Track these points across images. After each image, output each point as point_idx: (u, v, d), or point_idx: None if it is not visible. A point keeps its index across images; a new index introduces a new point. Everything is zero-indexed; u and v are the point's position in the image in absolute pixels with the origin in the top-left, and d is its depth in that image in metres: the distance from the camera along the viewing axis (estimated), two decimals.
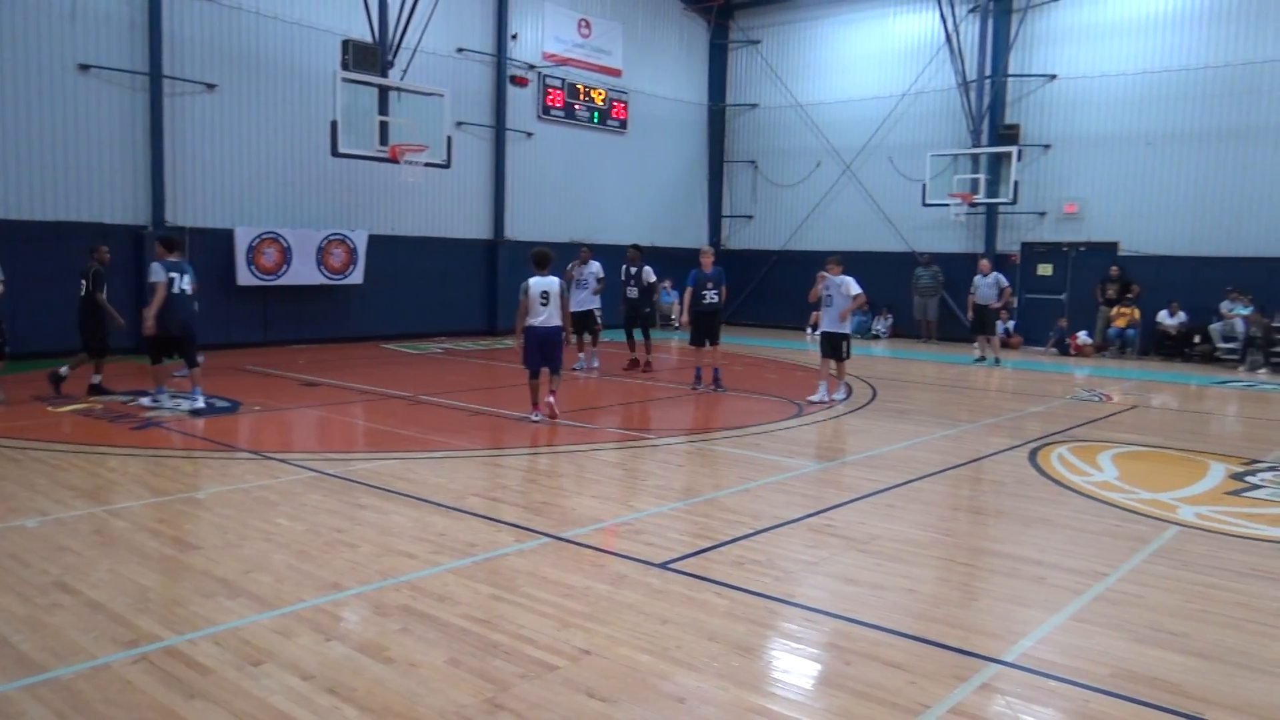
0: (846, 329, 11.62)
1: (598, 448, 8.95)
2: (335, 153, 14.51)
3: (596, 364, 14.04)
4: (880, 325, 22.46)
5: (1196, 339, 18.20)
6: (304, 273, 16.82)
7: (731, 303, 25.17)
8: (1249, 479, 8.04)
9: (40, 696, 3.61)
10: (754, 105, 25.21)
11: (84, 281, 10.63)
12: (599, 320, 13.92)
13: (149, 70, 14.94)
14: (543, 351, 9.93)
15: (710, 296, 12.28)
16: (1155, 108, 19.20)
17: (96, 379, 10.78)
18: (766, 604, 4.81)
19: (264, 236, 16.27)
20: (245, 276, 16.05)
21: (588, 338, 14.01)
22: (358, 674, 3.86)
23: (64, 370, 10.73)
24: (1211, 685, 3.95)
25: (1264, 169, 18.04)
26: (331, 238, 17.17)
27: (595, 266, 13.79)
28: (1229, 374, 16.39)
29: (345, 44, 14.90)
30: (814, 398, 11.65)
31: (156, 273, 9.87)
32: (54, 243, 13.86)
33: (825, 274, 11.64)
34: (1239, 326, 17.51)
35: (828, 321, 11.72)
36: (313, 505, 6.50)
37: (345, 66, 14.65)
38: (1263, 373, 16.51)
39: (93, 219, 14.53)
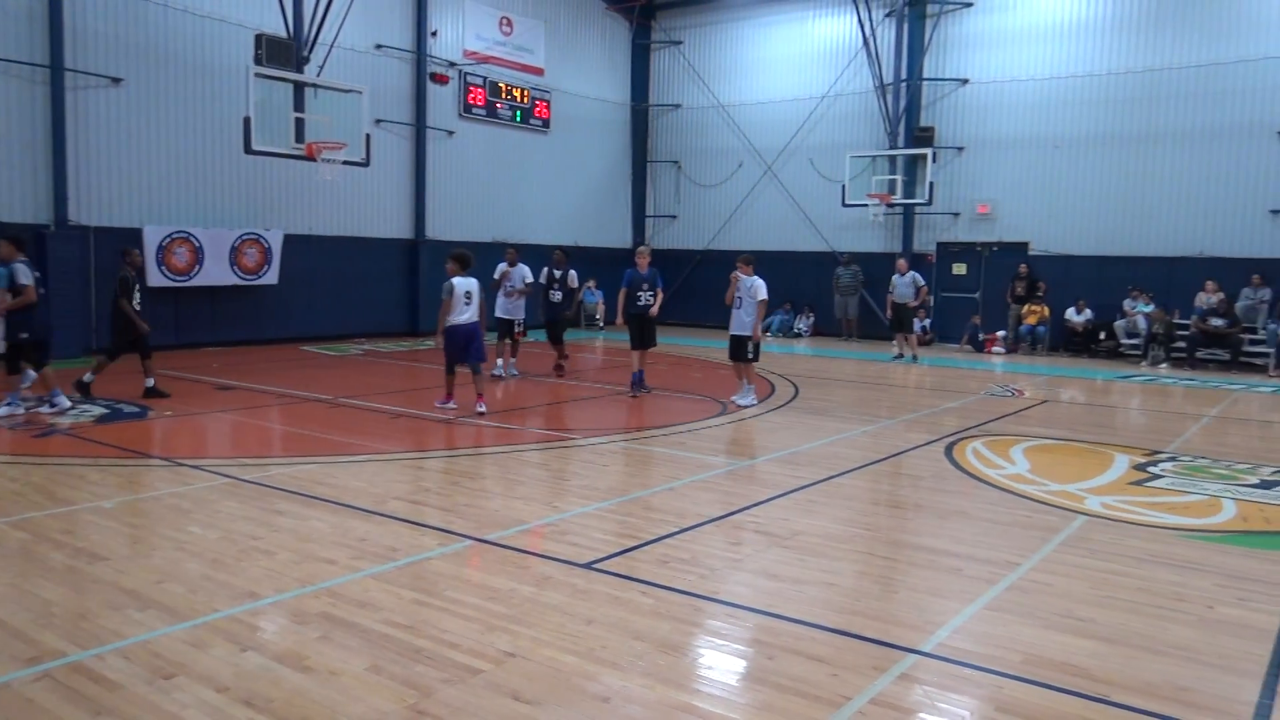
0: (748, 331, 11.33)
1: (522, 449, 8.90)
2: (249, 150, 14.15)
3: (515, 372, 13.60)
4: (802, 323, 22.80)
5: (1102, 335, 18.90)
6: (217, 273, 16.34)
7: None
8: (1151, 469, 8.38)
9: None
10: (676, 105, 25.35)
11: (115, 286, 10.73)
12: (521, 327, 13.46)
13: (49, 63, 14.33)
14: (465, 348, 10.33)
15: (644, 298, 12.02)
16: (1062, 112, 19.89)
17: (150, 381, 10.94)
18: (691, 602, 4.84)
19: (175, 236, 15.76)
20: (155, 277, 15.49)
21: (508, 343, 13.49)
22: (275, 684, 3.77)
23: (88, 377, 10.75)
24: (1116, 668, 4.10)
25: (1163, 172, 18.84)
26: (245, 237, 16.72)
27: (524, 270, 13.38)
28: (1132, 369, 17.07)
29: (258, 38, 14.55)
30: (741, 400, 11.50)
31: (25, 274, 9.44)
32: None
33: (738, 274, 11.53)
34: (1141, 323, 18.24)
35: (735, 324, 11.48)
36: (228, 512, 6.32)
37: (259, 62, 14.30)
38: (1164, 367, 17.23)
39: None
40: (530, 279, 13.39)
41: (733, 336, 11.55)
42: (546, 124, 22.92)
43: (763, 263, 24.09)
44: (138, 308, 10.75)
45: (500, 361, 13.50)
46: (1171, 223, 18.79)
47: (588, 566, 5.30)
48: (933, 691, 3.87)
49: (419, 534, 5.92)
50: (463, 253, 10.56)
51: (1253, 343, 17.32)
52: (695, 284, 24.94)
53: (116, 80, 15.16)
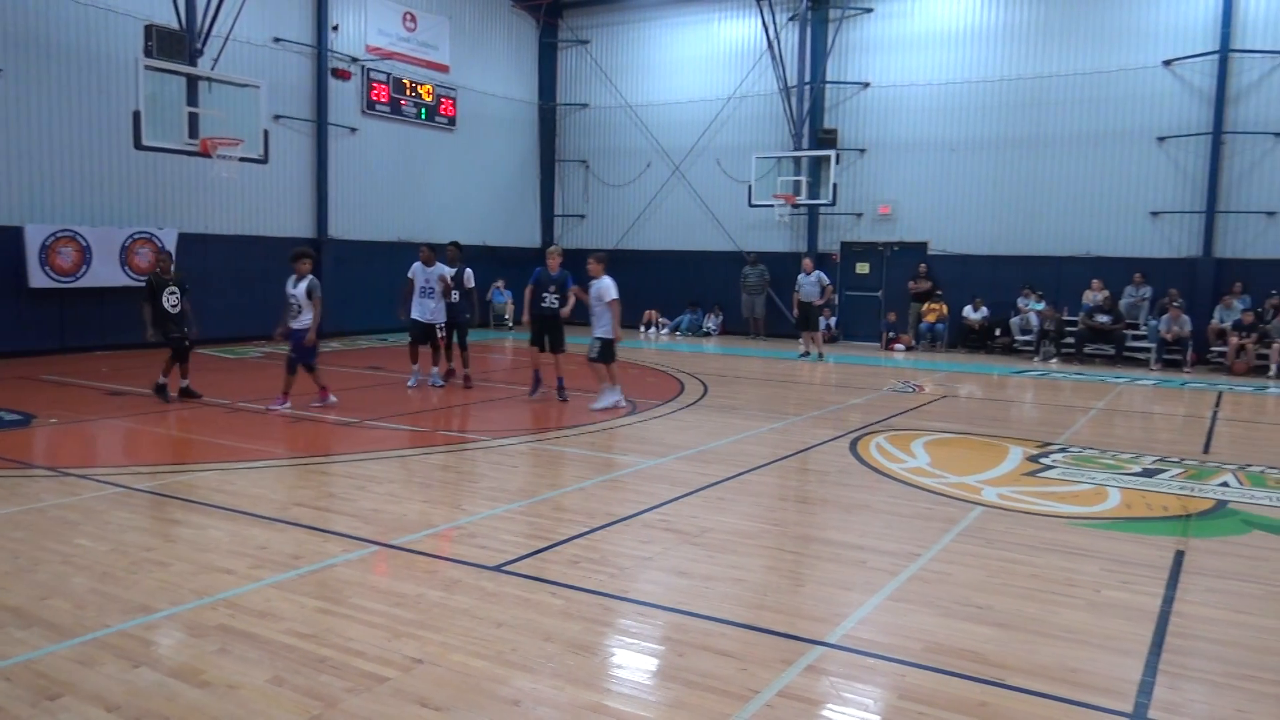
0: (608, 333, 10.93)
1: (429, 452, 8.77)
2: (139, 145, 13.56)
3: (439, 382, 12.54)
4: (710, 322, 23.04)
5: (997, 332, 19.61)
6: (106, 274, 15.64)
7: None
8: (1043, 460, 8.73)
9: None
10: (584, 105, 25.32)
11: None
12: (442, 331, 12.46)
13: None
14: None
15: (549, 300, 11.55)
16: (958, 116, 20.56)
17: (184, 382, 11.07)
18: (601, 601, 4.84)
19: (59, 235, 15.03)
20: (38, 278, 14.76)
21: (429, 349, 12.58)
22: (170, 700, 3.63)
23: (162, 379, 11.06)
24: (1011, 652, 4.26)
25: (1052, 175, 19.66)
26: (137, 236, 16.05)
27: (441, 269, 12.38)
28: (1025, 364, 17.75)
29: (148, 29, 13.96)
30: (601, 404, 11.05)
31: None
32: None
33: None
34: (1033, 320, 18.99)
35: (595, 326, 11.06)
36: (119, 523, 6.06)
37: (149, 53, 13.72)
38: (1054, 362, 17.97)
39: None
40: (449, 276, 12.34)
41: (595, 338, 11.03)
42: (452, 122, 22.62)
43: (670, 262, 24.38)
44: (172, 310, 10.88)
45: (417, 368, 12.49)
46: (1060, 224, 19.62)
47: (497, 569, 5.26)
48: (838, 682, 3.95)
49: (323, 540, 5.77)
50: (304, 250, 10.79)
51: (1135, 338, 18.22)
52: None
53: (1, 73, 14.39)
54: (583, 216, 25.61)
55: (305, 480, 7.54)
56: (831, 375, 15.63)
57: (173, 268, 11.25)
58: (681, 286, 23.60)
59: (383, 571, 5.28)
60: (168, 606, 4.62)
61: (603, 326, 10.99)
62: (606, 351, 11.02)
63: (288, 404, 10.53)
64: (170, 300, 10.91)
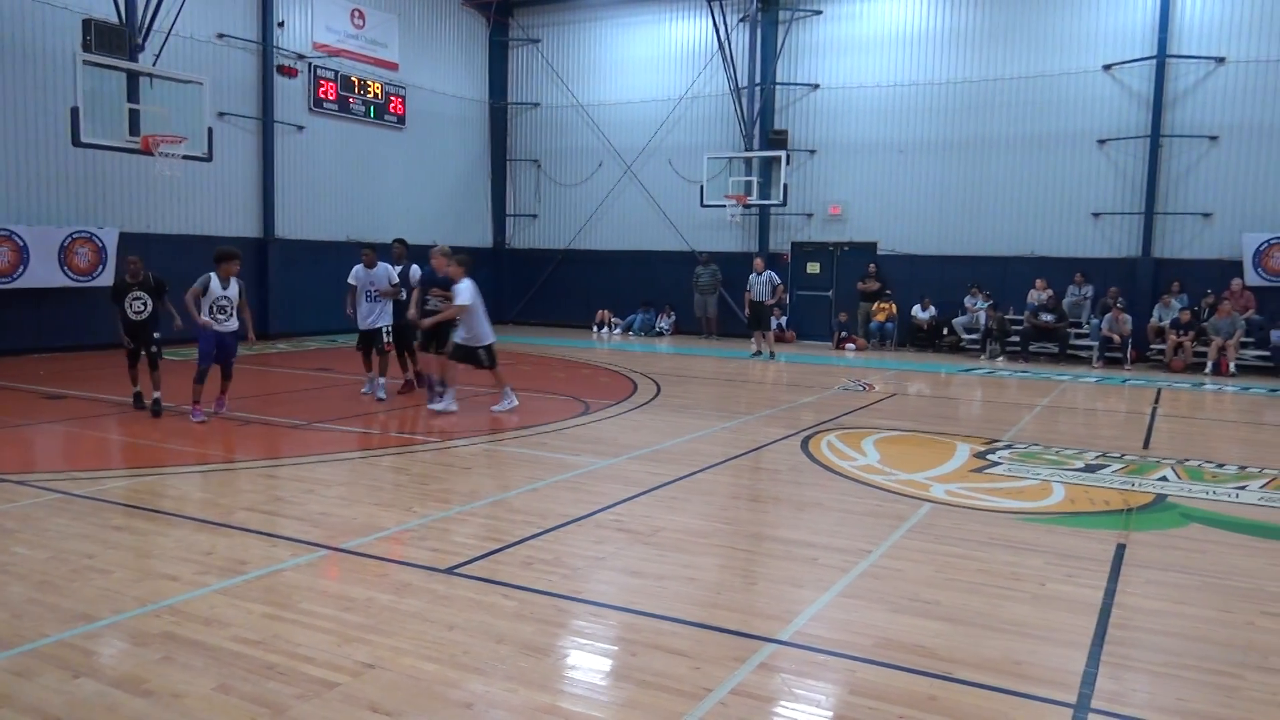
0: (472, 340, 10.42)
1: (379, 454, 8.67)
2: (77, 142, 13.25)
3: (382, 395, 11.61)
4: (663, 323, 23.09)
5: (945, 331, 19.92)
6: (44, 274, 15.23)
7: (516, 302, 25.18)
8: (989, 457, 8.88)
9: None
10: (535, 104, 25.23)
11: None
12: (388, 337, 11.68)
13: None
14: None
15: (433, 302, 10.95)
16: (905, 118, 20.84)
17: (156, 394, 10.29)
18: (554, 602, 4.83)
19: None
20: None
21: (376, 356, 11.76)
22: (112, 711, 3.55)
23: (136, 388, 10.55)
24: (959, 646, 4.33)
25: (997, 177, 20.02)
26: (76, 235, 15.66)
27: (386, 269, 11.63)
28: (972, 362, 18.05)
29: (86, 23, 13.65)
30: (501, 407, 10.74)
31: None
32: None
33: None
34: (980, 319, 19.32)
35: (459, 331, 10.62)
36: (57, 530, 5.90)
37: (87, 48, 13.41)
38: (1000, 360, 18.30)
39: None
40: (395, 279, 11.66)
41: (457, 345, 10.56)
42: (402, 120, 22.40)
43: (623, 262, 24.37)
44: (135, 316, 10.23)
45: (371, 374, 11.76)
46: (1005, 224, 19.99)
47: (449, 571, 5.21)
48: (790, 679, 3.98)
49: (271, 545, 5.68)
50: (228, 249, 10.41)
51: (1077, 336, 18.62)
52: (556, 284, 24.95)
53: None
54: (535, 216, 25.51)
55: (252, 484, 7.42)
56: (783, 374, 15.76)
57: (144, 271, 10.49)
58: (634, 286, 23.62)
59: (332, 576, 5.21)
60: (109, 615, 4.51)
61: (470, 334, 10.44)
62: (492, 357, 10.66)
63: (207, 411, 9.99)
64: (135, 306, 10.24)
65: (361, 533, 5.98)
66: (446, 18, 23.92)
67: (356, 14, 21.03)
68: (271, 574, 5.15)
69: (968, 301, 19.75)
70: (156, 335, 10.38)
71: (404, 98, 22.40)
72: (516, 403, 10.92)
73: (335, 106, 20.69)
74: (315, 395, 11.87)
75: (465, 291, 10.32)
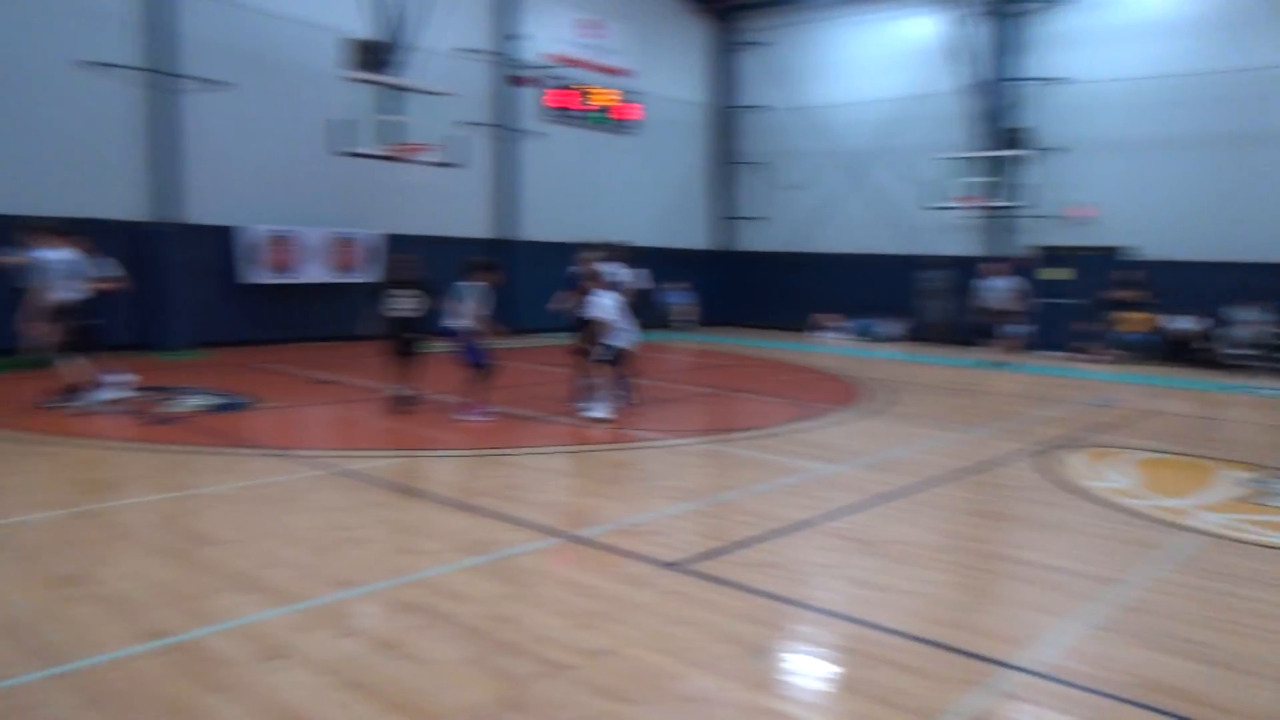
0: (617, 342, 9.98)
1: (609, 449, 8.95)
2: (341, 152, 14.53)
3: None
4: (889, 328, 22.40)
5: (1205, 343, 18.13)
6: (313, 271, 16.86)
7: (737, 304, 25.26)
8: (1261, 486, 8.01)
9: (62, 687, 3.62)
10: (761, 107, 25.20)
11: None
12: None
13: (157, 67, 14.96)
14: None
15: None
16: (1165, 112, 19.15)
17: (408, 390, 10.34)
18: (779, 606, 4.81)
19: (272, 235, 16.31)
20: (253, 274, 16.09)
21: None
22: (373, 670, 3.87)
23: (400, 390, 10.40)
24: (1226, 694, 3.94)
25: (1271, 174, 18.00)
26: (339, 236, 17.20)
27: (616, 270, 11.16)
28: (1237, 379, 16.32)
29: (348, 43, 14.94)
30: (596, 413, 9.99)
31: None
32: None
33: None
34: (1247, 332, 17.43)
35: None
36: (327, 502, 6.52)
37: (348, 66, 14.70)
38: (1270, 378, 16.43)
39: (99, 215, 14.57)
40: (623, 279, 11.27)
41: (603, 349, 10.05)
42: (629, 125, 23.03)
43: (845, 265, 23.86)
44: (398, 313, 10.20)
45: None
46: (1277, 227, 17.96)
47: (676, 567, 5.31)
48: (1030, 709, 3.76)
49: (510, 529, 6.00)
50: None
51: None
52: (777, 286, 24.83)
53: (222, 85, 15.73)
54: (758, 219, 25.49)
55: (493, 471, 7.86)
56: (1020, 386, 14.90)
57: (409, 269, 10.39)
58: (856, 290, 23.08)
59: (566, 562, 5.43)
60: (370, 582, 4.92)
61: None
62: (617, 359, 10.21)
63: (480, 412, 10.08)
64: (398, 303, 10.18)
65: (594, 523, 6.20)
66: (675, 24, 24.36)
67: (589, 24, 21.84)
68: (511, 557, 5.44)
69: (1234, 313, 17.86)
70: (421, 332, 10.35)
71: (631, 103, 23.02)
72: (607, 415, 10.01)
73: (566, 113, 21.58)
74: (547, 389, 12.41)
75: (604, 303, 9.91)
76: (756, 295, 25.17)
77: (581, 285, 10.58)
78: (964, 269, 21.14)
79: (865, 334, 22.43)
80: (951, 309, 21.46)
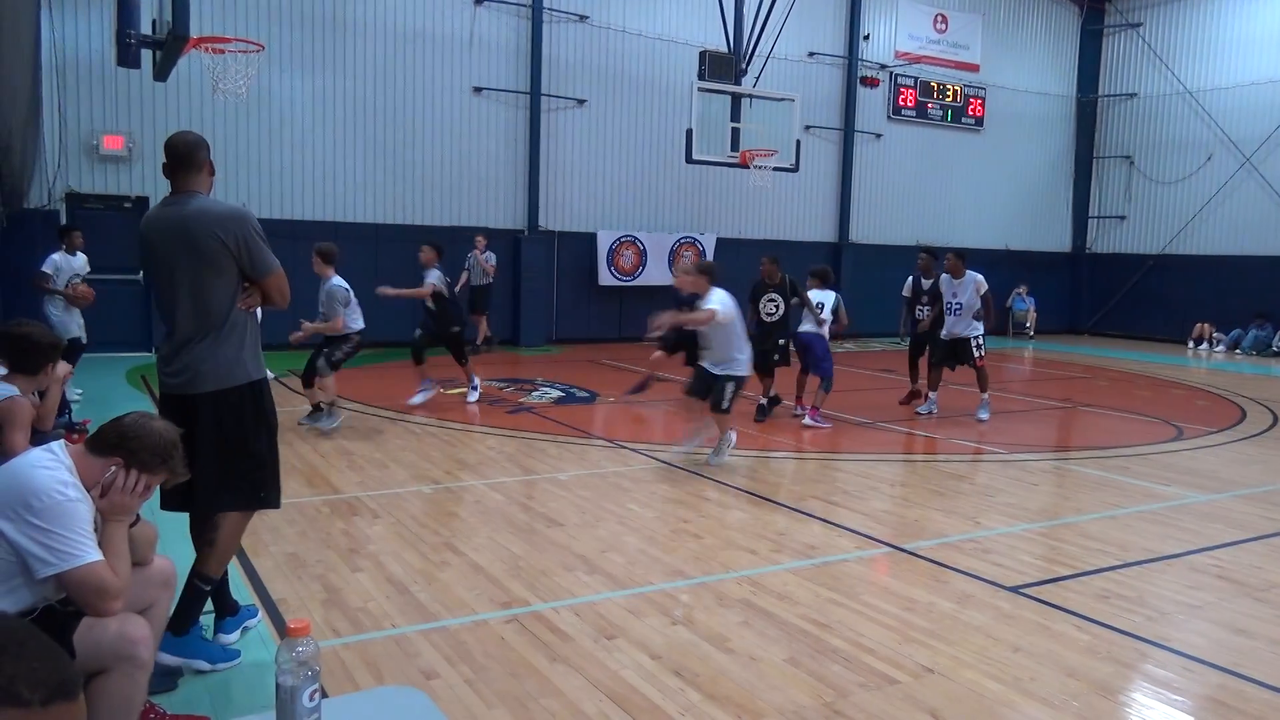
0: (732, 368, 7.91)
1: (942, 459, 8.59)
2: (690, 159, 15.15)
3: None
4: None
5: None
6: (657, 274, 17.75)
7: (1095, 311, 23.12)
8: None
9: (433, 641, 4.13)
10: (1131, 95, 22.86)
11: None
12: (978, 351, 10.41)
13: (529, 89, 16.52)
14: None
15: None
16: None
17: (771, 394, 10.20)
18: (1136, 645, 4.35)
19: (622, 240, 17.40)
20: (605, 277, 17.26)
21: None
22: (701, 660, 4.02)
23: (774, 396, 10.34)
24: None
25: None
26: (682, 240, 17.97)
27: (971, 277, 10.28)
28: None
29: (702, 55, 15.52)
30: (686, 448, 8.29)
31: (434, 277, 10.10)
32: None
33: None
34: None
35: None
36: (661, 494, 6.85)
37: (701, 76, 15.26)
38: None
39: (480, 223, 16.34)
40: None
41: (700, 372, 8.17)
42: (980, 121, 21.89)
43: (1231, 268, 21.09)
44: (767, 318, 9.91)
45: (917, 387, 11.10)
46: None
47: (1014, 590, 4.99)
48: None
49: (836, 534, 5.96)
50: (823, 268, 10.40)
51: None
52: (1143, 292, 22.43)
53: (581, 102, 17.05)
54: (1122, 218, 23.18)
55: (820, 475, 7.84)
56: None
57: (779, 273, 9.99)
58: (1245, 297, 20.21)
59: (893, 573, 5.30)
60: (699, 575, 5.11)
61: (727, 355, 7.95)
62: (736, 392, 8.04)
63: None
64: (767, 308, 9.93)
65: (923, 536, 5.99)
66: (1033, 12, 22.77)
67: (939, 19, 21.01)
68: (836, 562, 5.39)
69: None
70: (784, 336, 10.01)
71: (983, 99, 21.86)
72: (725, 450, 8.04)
73: (913, 112, 20.93)
74: (875, 395, 12.14)
75: (718, 300, 7.77)
76: (1119, 302, 22.90)
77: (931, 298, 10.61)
78: None
79: (1255, 347, 19.61)
80: None
